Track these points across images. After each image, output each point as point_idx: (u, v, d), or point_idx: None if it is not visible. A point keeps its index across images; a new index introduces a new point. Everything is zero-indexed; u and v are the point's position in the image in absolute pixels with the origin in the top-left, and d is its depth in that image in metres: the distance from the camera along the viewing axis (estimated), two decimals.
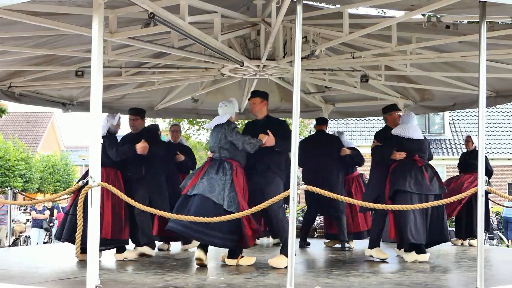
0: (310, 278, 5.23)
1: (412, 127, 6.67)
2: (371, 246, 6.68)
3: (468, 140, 9.16)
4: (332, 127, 23.05)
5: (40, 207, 15.57)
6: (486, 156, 6.08)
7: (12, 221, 17.18)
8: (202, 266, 5.81)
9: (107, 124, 6.68)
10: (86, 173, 6.46)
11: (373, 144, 6.94)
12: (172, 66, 7.67)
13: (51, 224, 16.27)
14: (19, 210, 20.13)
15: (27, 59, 7.03)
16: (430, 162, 6.89)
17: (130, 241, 6.88)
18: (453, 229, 9.34)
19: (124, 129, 7.44)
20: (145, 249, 6.76)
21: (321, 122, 8.51)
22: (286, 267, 5.47)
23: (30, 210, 15.85)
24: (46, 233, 15.81)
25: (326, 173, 7.79)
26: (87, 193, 4.49)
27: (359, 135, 25.68)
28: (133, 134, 7.01)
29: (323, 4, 6.35)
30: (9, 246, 9.16)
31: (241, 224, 5.68)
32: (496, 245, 13.83)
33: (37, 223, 15.34)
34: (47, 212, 16.04)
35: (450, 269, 6.31)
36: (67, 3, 4.88)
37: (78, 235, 5.00)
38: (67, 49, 6.59)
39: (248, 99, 6.72)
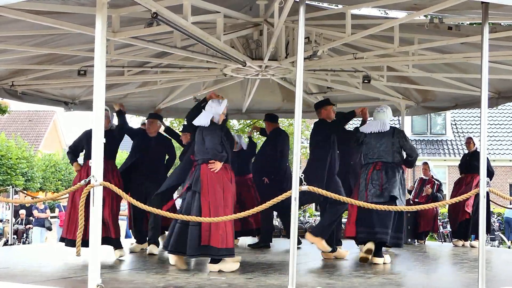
0: (312, 279, 5.24)
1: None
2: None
3: (469, 141, 9.15)
4: None
5: (41, 206, 15.57)
6: (487, 157, 6.08)
7: (1, 221, 17.24)
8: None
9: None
10: None
11: None
12: (175, 66, 7.67)
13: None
14: (7, 210, 19.77)
15: (29, 58, 7.04)
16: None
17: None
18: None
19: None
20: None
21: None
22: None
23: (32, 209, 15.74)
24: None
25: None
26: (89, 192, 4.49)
27: None
28: None
29: (325, 5, 6.35)
30: (11, 244, 9.18)
31: None
32: (498, 247, 13.81)
33: (39, 222, 15.33)
34: (49, 211, 16.00)
35: (452, 271, 6.31)
36: (70, 2, 4.88)
37: (80, 234, 5.01)
38: (69, 48, 6.60)
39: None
